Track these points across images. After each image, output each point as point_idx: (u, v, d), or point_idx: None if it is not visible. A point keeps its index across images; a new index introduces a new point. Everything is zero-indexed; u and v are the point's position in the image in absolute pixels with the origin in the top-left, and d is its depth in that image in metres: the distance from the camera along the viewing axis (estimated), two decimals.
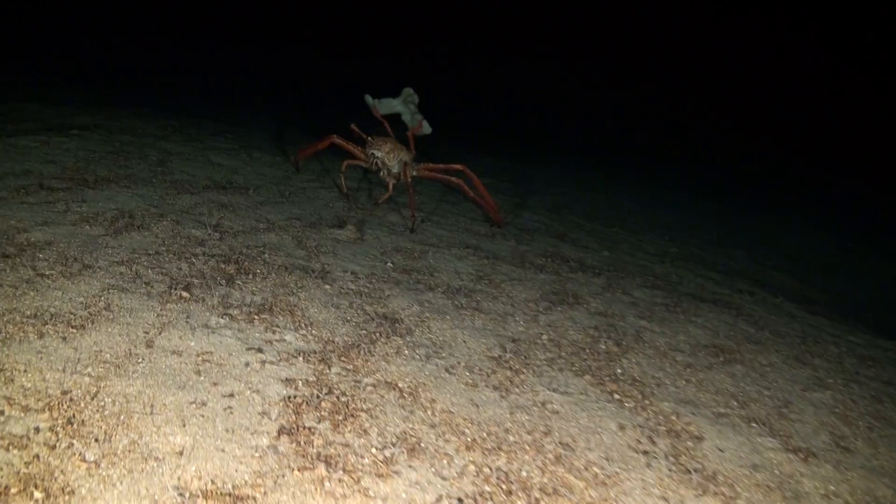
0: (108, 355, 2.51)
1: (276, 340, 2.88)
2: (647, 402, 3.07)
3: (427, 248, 4.64)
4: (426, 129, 5.60)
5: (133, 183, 4.69)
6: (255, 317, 3.05)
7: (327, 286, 3.58)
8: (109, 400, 2.25)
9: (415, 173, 5.25)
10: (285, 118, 9.42)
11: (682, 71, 17.74)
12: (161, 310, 2.94)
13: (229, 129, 7.57)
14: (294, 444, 2.22)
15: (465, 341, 3.27)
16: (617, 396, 3.06)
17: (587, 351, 3.48)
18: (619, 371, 3.33)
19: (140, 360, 2.51)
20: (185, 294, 3.12)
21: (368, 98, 5.61)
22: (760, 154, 15.11)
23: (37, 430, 2.06)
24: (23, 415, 2.11)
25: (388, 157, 5.06)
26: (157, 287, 3.15)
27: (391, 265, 4.15)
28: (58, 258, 3.24)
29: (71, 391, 2.26)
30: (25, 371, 2.32)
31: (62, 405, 2.18)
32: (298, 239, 4.25)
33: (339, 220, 4.81)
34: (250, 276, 3.50)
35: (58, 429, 2.08)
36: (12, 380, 2.26)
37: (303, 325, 3.07)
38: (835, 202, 12.04)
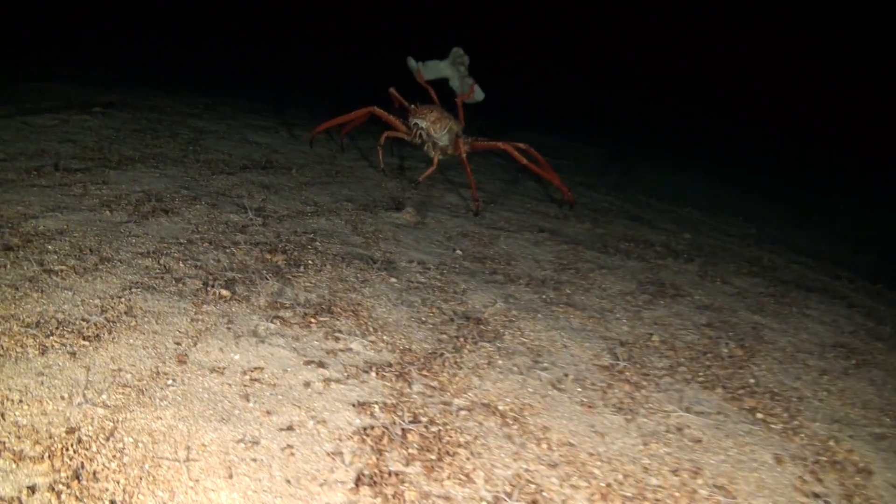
0: (129, 376, 1.93)
1: (341, 350, 2.29)
2: (795, 422, 2.45)
3: (497, 232, 4.03)
4: (478, 94, 4.84)
5: (162, 162, 4.13)
6: (313, 320, 2.46)
7: (393, 279, 2.98)
8: (130, 440, 1.68)
9: (467, 148, 4.54)
10: (320, 97, 8.86)
11: (739, 50, 16.92)
12: (196, 313, 2.37)
13: (265, 106, 7.00)
14: (380, 500, 1.63)
15: (566, 346, 2.66)
16: (760, 415, 2.45)
17: (709, 355, 2.86)
18: (751, 381, 2.72)
19: (170, 382, 1.94)
20: (225, 292, 2.54)
21: (411, 61, 4.90)
22: (824, 133, 14.29)
23: (32, 489, 1.49)
24: (14, 466, 1.54)
25: (434, 127, 4.35)
26: (190, 284, 2.57)
27: (460, 252, 3.55)
28: (70, 250, 2.68)
29: (79, 429, 1.69)
30: (21, 401, 1.75)
31: (67, 450, 1.61)
32: (353, 223, 3.66)
33: (395, 202, 4.22)
34: (302, 267, 2.91)
35: (60, 486, 1.51)
36: (2, 414, 1.70)
37: (371, 330, 2.48)
38: None
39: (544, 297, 3.12)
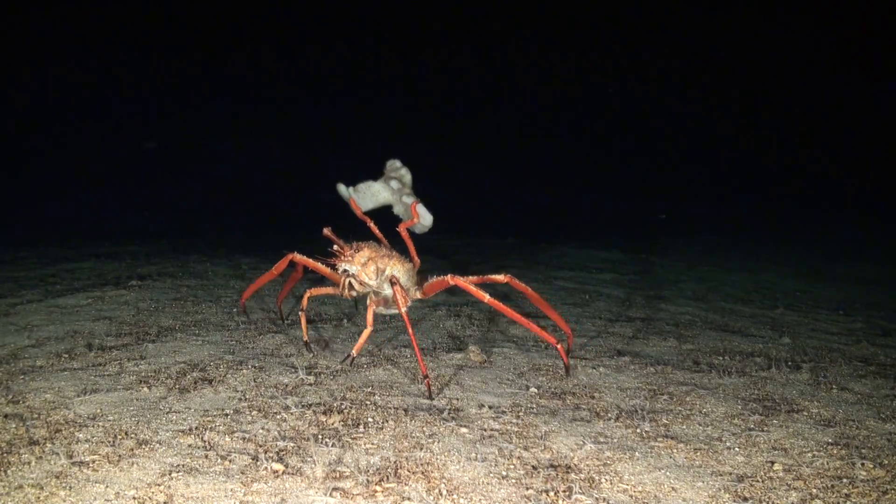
0: None
1: None
2: None
3: (572, 361, 3.67)
4: (424, 218, 3.82)
5: (204, 329, 3.90)
6: (377, 488, 2.11)
7: (464, 430, 2.63)
8: None
9: (418, 295, 3.50)
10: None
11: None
12: (245, 494, 2.03)
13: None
14: None
15: (674, 489, 2.25)
16: None
17: (844, 481, 2.41)
18: None
19: None
20: (277, 466, 2.21)
21: (342, 188, 3.88)
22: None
23: None
24: None
25: (366, 271, 3.27)
26: (237, 460, 2.25)
27: (535, 390, 3.19)
28: (104, 436, 2.39)
29: None
30: None
31: None
32: (413, 371, 3.34)
33: (456, 342, 3.90)
34: (361, 427, 2.57)
35: None
36: None
37: (444, 493, 2.11)
38: None
39: (639, 431, 2.72)
